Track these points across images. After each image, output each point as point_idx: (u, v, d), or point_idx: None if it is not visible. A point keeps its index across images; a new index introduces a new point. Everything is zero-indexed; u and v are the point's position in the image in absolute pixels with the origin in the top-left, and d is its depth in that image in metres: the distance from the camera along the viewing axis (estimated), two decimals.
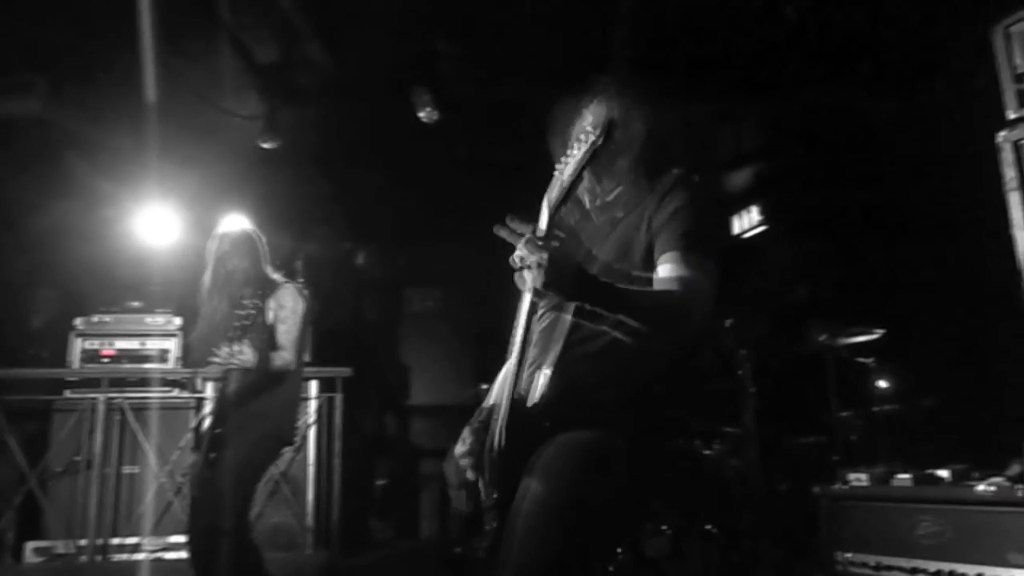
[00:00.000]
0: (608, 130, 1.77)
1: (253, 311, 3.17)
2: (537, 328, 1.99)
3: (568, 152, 1.82)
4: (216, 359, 3.17)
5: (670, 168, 2.02)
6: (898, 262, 4.71)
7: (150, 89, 4.63)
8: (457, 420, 2.04)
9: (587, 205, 2.12)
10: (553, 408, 1.83)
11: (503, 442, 1.81)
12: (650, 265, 1.92)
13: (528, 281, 1.73)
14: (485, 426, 1.91)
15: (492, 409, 1.94)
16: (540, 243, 1.71)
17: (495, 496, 1.81)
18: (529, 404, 1.85)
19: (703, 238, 1.90)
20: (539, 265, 1.69)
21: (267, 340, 3.26)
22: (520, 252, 1.73)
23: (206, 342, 3.23)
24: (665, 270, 1.88)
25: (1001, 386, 3.58)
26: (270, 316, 3.32)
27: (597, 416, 1.81)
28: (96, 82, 4.99)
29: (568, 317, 1.95)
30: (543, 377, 1.87)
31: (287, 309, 3.36)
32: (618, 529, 1.89)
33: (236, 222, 3.54)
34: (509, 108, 5.10)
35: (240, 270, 3.36)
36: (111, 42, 4.48)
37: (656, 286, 1.88)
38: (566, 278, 1.73)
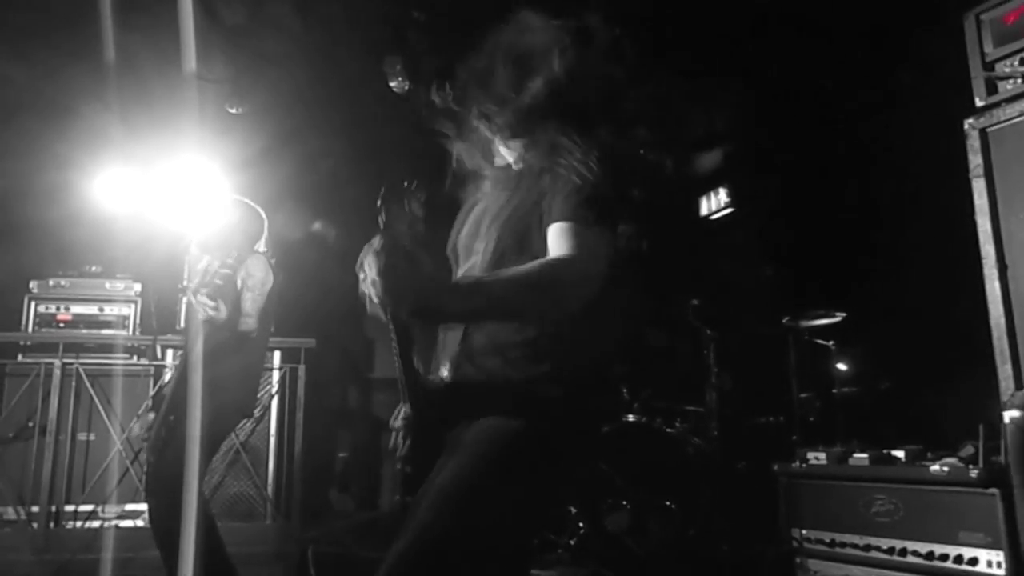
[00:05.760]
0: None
1: (229, 272, 3.17)
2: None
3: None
4: (193, 309, 3.19)
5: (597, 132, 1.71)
6: (861, 247, 4.76)
7: (110, 48, 4.49)
8: None
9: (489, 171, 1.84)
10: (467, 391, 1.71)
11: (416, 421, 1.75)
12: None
13: (371, 296, 1.52)
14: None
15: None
16: (376, 253, 1.50)
17: (408, 471, 1.77)
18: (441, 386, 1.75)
19: (595, 201, 1.57)
20: (373, 282, 1.49)
21: (236, 304, 3.28)
22: (364, 261, 1.53)
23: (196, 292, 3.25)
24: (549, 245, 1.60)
25: (957, 370, 3.65)
26: (239, 283, 3.33)
27: (519, 403, 1.65)
28: (56, 39, 4.82)
29: None
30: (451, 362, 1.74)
31: (256, 279, 3.38)
32: (523, 522, 1.65)
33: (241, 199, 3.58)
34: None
35: (236, 236, 3.40)
36: None
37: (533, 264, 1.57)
38: (403, 296, 1.48)
